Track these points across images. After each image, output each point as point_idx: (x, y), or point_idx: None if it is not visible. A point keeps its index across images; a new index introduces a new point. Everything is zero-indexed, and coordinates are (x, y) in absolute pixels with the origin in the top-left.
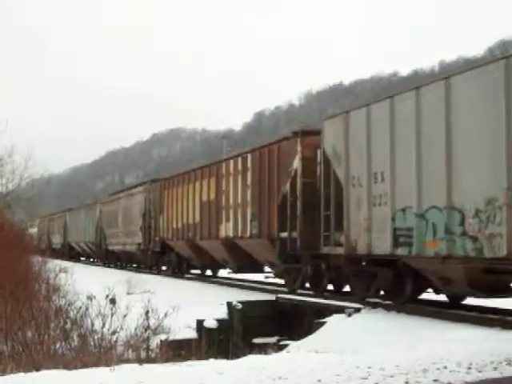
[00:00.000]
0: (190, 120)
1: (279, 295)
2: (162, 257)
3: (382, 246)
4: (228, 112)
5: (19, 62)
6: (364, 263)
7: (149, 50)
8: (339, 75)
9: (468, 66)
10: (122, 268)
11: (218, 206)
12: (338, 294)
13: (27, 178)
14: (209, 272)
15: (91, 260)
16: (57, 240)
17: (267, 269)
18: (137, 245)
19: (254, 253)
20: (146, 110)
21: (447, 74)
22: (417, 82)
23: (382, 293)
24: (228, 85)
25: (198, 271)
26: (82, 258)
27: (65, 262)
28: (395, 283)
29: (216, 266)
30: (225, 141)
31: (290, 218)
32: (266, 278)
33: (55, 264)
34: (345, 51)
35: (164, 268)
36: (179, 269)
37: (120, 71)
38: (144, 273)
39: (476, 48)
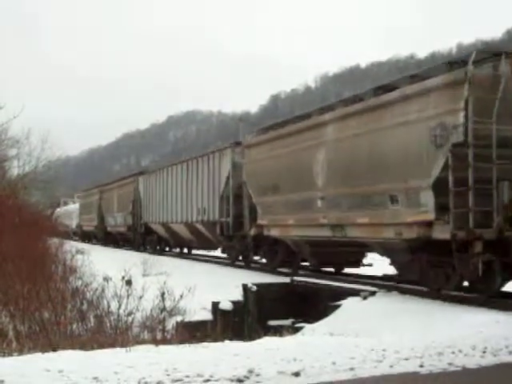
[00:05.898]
0: (205, 102)
1: (294, 278)
2: None
3: None
4: (244, 94)
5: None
6: None
7: (162, 30)
8: (356, 58)
9: None
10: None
11: None
12: None
13: (44, 159)
14: None
15: (190, 251)
16: (117, 220)
17: None
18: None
19: None
20: (161, 92)
21: None
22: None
23: None
24: (244, 67)
25: None
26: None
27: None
28: None
29: None
30: (241, 123)
31: None
32: None
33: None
34: (361, 33)
35: None
36: None
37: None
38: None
39: (494, 30)
